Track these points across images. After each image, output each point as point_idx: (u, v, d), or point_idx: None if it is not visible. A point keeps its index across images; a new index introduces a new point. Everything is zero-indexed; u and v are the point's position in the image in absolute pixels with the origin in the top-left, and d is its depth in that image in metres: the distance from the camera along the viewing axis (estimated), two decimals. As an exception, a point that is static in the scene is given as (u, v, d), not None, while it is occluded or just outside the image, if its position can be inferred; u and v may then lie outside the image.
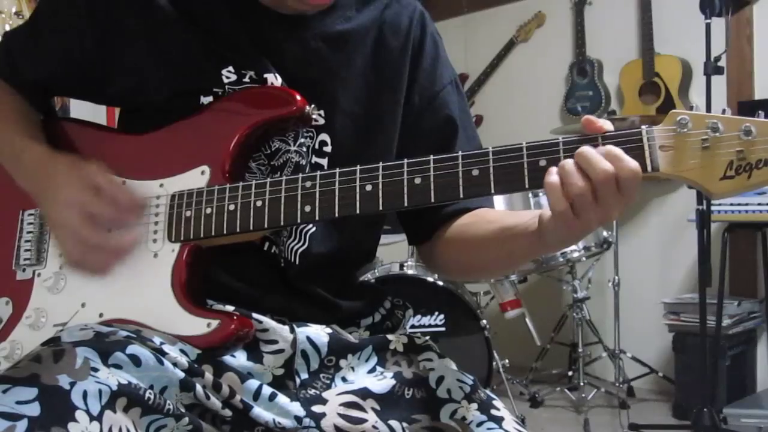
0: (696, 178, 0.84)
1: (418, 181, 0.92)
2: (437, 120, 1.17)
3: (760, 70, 3.41)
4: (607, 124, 0.88)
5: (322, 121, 1.07)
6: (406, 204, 0.92)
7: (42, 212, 1.08)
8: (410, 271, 2.89)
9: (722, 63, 2.69)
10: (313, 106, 1.03)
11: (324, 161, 1.09)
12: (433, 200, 0.92)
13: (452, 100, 1.19)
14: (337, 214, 0.95)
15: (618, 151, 0.84)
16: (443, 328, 2.86)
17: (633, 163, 0.84)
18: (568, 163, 0.85)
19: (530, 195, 2.90)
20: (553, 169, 0.86)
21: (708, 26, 2.63)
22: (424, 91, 1.17)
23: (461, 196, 0.91)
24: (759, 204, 2.91)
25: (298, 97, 1.02)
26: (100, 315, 1.01)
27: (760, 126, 0.81)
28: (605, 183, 0.84)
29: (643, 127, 0.86)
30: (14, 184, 1.11)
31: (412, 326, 2.80)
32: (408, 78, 1.16)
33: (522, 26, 4.20)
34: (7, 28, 2.83)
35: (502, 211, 1.13)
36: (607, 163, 0.84)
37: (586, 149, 0.85)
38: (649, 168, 0.85)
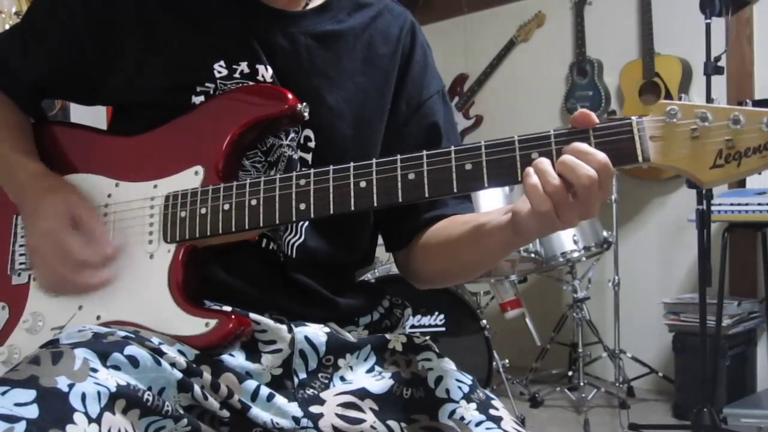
0: (686, 167, 0.86)
1: (411, 176, 0.92)
2: (422, 127, 1.18)
3: (760, 70, 3.41)
4: (595, 118, 0.89)
5: (306, 117, 1.08)
6: (400, 199, 0.93)
7: (24, 230, 1.09)
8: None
9: (722, 63, 2.69)
10: (304, 104, 1.03)
11: (308, 156, 1.10)
12: (427, 195, 0.92)
13: (438, 109, 1.20)
14: (332, 212, 0.95)
15: (584, 146, 0.86)
16: (443, 328, 2.86)
17: (602, 156, 0.86)
18: (542, 162, 0.87)
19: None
20: (530, 170, 0.88)
21: (708, 26, 2.63)
22: (411, 98, 1.18)
23: (455, 190, 0.91)
24: (759, 204, 2.91)
25: (290, 96, 1.02)
26: (98, 317, 1.01)
27: (748, 115, 0.83)
28: (590, 188, 0.85)
29: (633, 117, 0.87)
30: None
31: (413, 326, 2.80)
32: (396, 85, 1.17)
33: (522, 26, 4.19)
34: (8, 28, 2.82)
35: (476, 213, 1.14)
36: (589, 169, 0.85)
37: (566, 157, 0.87)
38: (640, 158, 0.86)
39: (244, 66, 1.08)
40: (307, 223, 1.09)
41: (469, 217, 1.12)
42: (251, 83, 1.07)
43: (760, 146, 0.83)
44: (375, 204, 0.94)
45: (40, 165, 1.10)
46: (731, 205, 2.96)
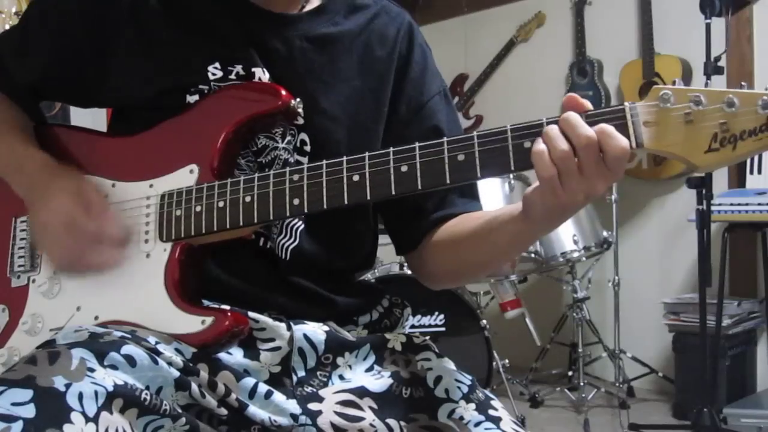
0: (680, 151, 0.85)
1: (404, 168, 0.92)
2: (424, 129, 1.17)
3: (760, 70, 3.41)
4: (587, 104, 0.89)
5: (302, 121, 1.08)
6: (393, 192, 0.93)
7: (30, 213, 1.08)
8: (410, 271, 2.89)
9: (722, 63, 2.69)
10: (298, 100, 1.03)
11: (305, 160, 1.10)
12: (420, 187, 0.92)
13: (440, 110, 1.19)
14: (325, 206, 0.95)
15: (609, 128, 0.85)
16: (443, 328, 2.86)
17: (623, 141, 0.85)
18: (553, 128, 0.87)
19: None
20: (539, 138, 0.88)
21: (708, 26, 2.63)
22: (411, 100, 1.17)
23: (448, 181, 0.91)
24: (759, 204, 2.91)
25: (283, 92, 1.02)
26: (96, 318, 1.01)
27: (743, 97, 0.82)
28: (586, 148, 0.85)
29: (627, 103, 0.87)
30: (5, 192, 1.12)
31: (412, 326, 2.80)
32: (394, 88, 1.16)
33: (522, 26, 4.20)
34: (8, 28, 2.83)
35: (488, 210, 1.14)
36: (588, 129, 0.85)
37: (570, 114, 0.86)
38: (633, 144, 0.86)
39: (239, 69, 1.08)
40: (302, 226, 1.09)
41: (481, 214, 1.13)
42: (244, 82, 1.07)
43: (756, 129, 0.81)
44: (368, 197, 0.94)
45: (48, 156, 1.11)
46: (731, 205, 2.96)
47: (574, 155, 0.85)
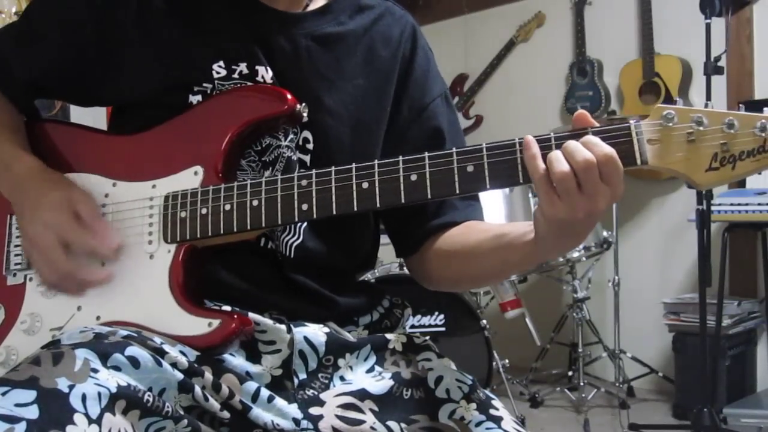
0: (682, 169, 0.88)
1: (414, 178, 0.93)
2: (425, 131, 1.18)
3: (760, 70, 3.41)
4: (594, 123, 0.90)
5: (305, 119, 1.08)
6: (402, 201, 0.94)
7: (18, 221, 1.08)
8: (408, 272, 2.89)
9: (722, 63, 2.69)
10: (303, 104, 1.03)
11: (307, 158, 1.10)
12: (429, 196, 0.93)
13: (441, 112, 1.20)
14: (334, 212, 0.96)
15: (594, 138, 0.87)
16: (443, 328, 2.86)
17: (607, 148, 0.86)
18: (556, 152, 0.88)
19: (530, 195, 2.90)
20: (539, 164, 0.89)
21: (708, 26, 2.64)
22: (413, 102, 1.18)
23: (457, 191, 0.92)
24: (759, 204, 2.92)
25: (289, 96, 1.03)
26: (97, 318, 1.01)
27: (742, 119, 0.86)
28: (586, 170, 0.86)
29: (632, 121, 0.89)
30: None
31: (412, 326, 2.80)
32: (397, 88, 1.17)
33: (522, 26, 4.20)
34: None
35: (495, 223, 1.14)
36: (587, 152, 0.86)
37: (571, 143, 0.88)
38: (638, 161, 0.88)
39: (243, 67, 1.08)
40: (305, 224, 1.09)
41: (489, 226, 1.13)
42: (250, 83, 1.07)
43: (754, 150, 0.85)
44: (378, 205, 0.94)
45: (38, 160, 1.10)
46: (731, 205, 2.96)
47: (574, 174, 0.87)
